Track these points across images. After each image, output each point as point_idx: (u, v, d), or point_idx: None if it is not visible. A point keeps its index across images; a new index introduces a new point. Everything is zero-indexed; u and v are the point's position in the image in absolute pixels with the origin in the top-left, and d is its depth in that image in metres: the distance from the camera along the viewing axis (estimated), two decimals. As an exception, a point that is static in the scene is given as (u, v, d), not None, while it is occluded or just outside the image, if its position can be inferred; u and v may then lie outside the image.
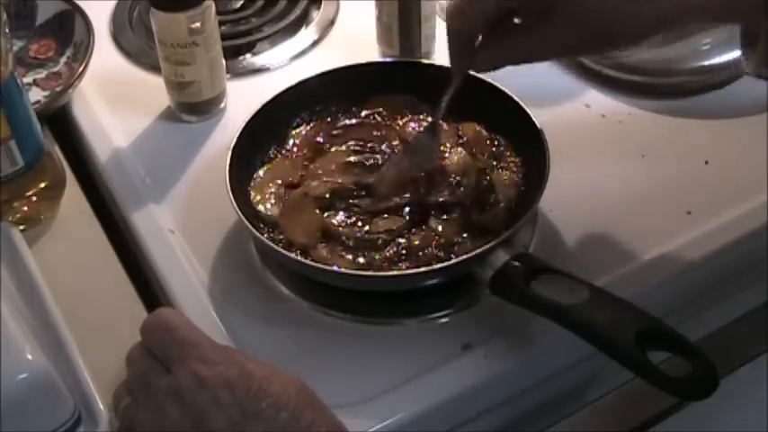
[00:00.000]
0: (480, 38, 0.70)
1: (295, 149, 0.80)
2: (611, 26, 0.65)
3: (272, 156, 0.79)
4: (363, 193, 0.75)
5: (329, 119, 0.82)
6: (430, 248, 0.71)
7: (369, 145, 0.79)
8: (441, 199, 0.73)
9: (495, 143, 0.78)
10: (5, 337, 0.60)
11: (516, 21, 0.69)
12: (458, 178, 0.75)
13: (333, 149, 0.79)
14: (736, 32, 0.88)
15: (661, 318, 0.62)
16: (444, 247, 0.71)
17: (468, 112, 0.80)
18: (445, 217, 0.73)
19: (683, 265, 0.74)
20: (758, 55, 0.66)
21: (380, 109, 0.82)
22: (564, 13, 0.65)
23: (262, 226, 0.73)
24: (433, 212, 0.73)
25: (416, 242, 0.71)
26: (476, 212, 0.73)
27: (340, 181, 0.75)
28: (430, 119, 0.79)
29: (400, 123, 0.81)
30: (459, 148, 0.77)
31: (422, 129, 0.79)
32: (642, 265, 0.74)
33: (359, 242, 0.72)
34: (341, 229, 0.72)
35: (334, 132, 0.80)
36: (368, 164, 0.77)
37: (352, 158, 0.78)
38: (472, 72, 0.74)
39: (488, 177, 0.76)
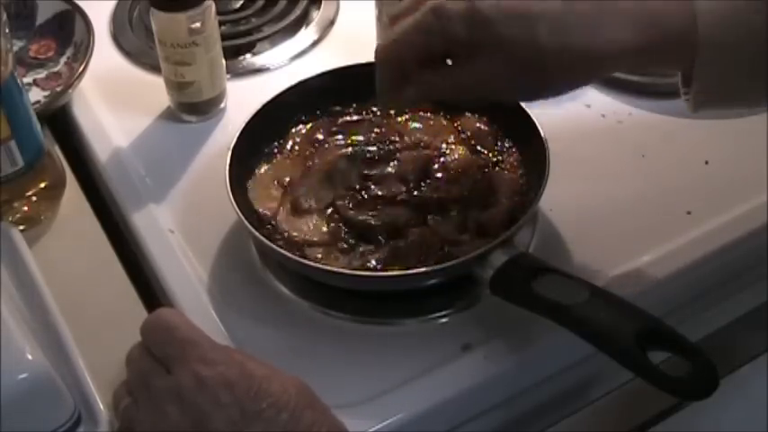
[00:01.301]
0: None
1: (295, 149, 0.80)
2: (535, 73, 0.65)
3: (272, 156, 0.79)
4: (365, 183, 0.75)
5: (329, 118, 0.82)
6: (429, 248, 0.71)
7: (369, 139, 0.79)
8: (440, 195, 0.73)
9: (498, 138, 0.78)
10: (5, 337, 0.60)
11: (447, 62, 0.68)
12: (458, 175, 0.75)
13: (333, 142, 0.79)
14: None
15: (661, 318, 0.62)
16: (444, 246, 0.71)
17: (467, 110, 0.80)
18: (443, 215, 0.73)
19: (683, 265, 0.74)
20: (692, 99, 0.66)
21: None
22: (497, 50, 0.64)
23: (262, 226, 0.73)
24: (432, 210, 0.73)
25: (415, 241, 0.71)
26: (476, 211, 0.73)
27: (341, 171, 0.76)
28: (431, 114, 0.80)
29: (400, 120, 0.81)
30: (461, 146, 0.77)
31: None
32: (642, 265, 0.74)
33: (359, 226, 0.72)
34: (349, 210, 0.73)
35: (334, 129, 0.80)
36: (368, 156, 0.77)
37: (350, 150, 0.78)
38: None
39: (489, 176, 0.76)
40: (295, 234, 0.73)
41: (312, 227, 0.73)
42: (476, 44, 0.64)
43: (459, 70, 0.67)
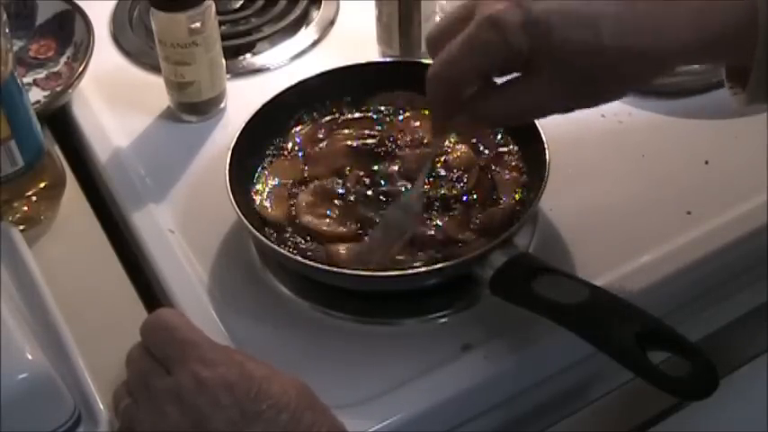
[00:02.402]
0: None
1: (295, 149, 0.80)
2: (596, 79, 0.62)
3: (272, 156, 0.79)
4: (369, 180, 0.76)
5: (329, 118, 0.82)
6: (430, 248, 0.71)
7: (370, 133, 0.79)
8: (442, 192, 0.73)
9: (498, 138, 0.78)
10: (5, 337, 0.60)
11: (498, 81, 0.65)
12: (459, 173, 0.75)
13: (334, 141, 0.79)
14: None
15: (661, 318, 0.62)
16: (444, 245, 0.71)
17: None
18: (447, 213, 0.72)
19: (683, 265, 0.74)
20: (749, 90, 0.65)
21: (380, 107, 0.82)
22: (550, 69, 0.62)
23: (262, 226, 0.73)
24: (434, 208, 0.73)
25: (415, 240, 0.71)
26: (477, 210, 0.73)
27: (348, 168, 0.76)
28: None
29: (401, 119, 0.81)
30: (462, 144, 0.77)
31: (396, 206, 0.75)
32: (642, 265, 0.74)
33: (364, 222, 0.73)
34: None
35: (335, 128, 0.80)
36: (371, 153, 0.77)
37: (353, 143, 0.78)
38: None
39: (490, 175, 0.76)
40: (295, 234, 0.73)
41: (328, 223, 0.73)
42: (535, 56, 0.61)
43: (517, 91, 0.64)
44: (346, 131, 0.80)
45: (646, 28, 0.61)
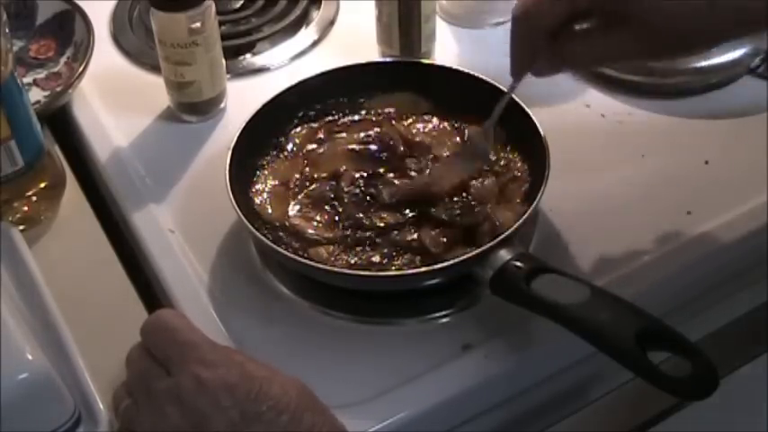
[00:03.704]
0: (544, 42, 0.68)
1: (296, 149, 0.80)
2: (686, 32, 0.64)
3: (272, 156, 0.79)
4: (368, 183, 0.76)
5: (330, 118, 0.82)
6: (426, 249, 0.71)
7: (371, 137, 0.79)
8: (444, 217, 0.73)
9: (500, 153, 0.78)
10: (5, 337, 0.60)
11: (581, 26, 0.67)
12: (473, 202, 0.74)
13: (335, 142, 0.79)
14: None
15: (661, 318, 0.62)
16: (444, 247, 0.71)
17: (468, 111, 0.80)
18: (444, 215, 0.73)
19: (683, 265, 0.74)
20: None
21: (380, 109, 0.82)
22: (639, 19, 0.63)
23: (262, 226, 0.73)
24: (432, 210, 0.73)
25: (411, 241, 0.71)
26: (477, 212, 0.73)
27: (344, 168, 0.76)
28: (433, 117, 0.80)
29: (405, 124, 0.81)
30: (492, 177, 0.76)
31: (475, 132, 0.77)
32: (642, 265, 0.74)
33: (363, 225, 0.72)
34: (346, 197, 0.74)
35: (336, 129, 0.80)
36: (371, 156, 0.77)
37: (356, 147, 0.78)
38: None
39: (490, 176, 0.76)
40: (297, 233, 0.73)
41: (318, 225, 0.73)
42: (624, 6, 0.63)
43: (594, 40, 0.66)
44: (346, 135, 0.80)
45: None
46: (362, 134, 0.80)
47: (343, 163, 0.77)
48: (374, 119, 0.81)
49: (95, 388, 0.65)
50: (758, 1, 0.62)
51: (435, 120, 0.81)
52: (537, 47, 0.68)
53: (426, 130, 0.80)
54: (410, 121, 0.81)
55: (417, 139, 0.79)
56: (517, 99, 0.77)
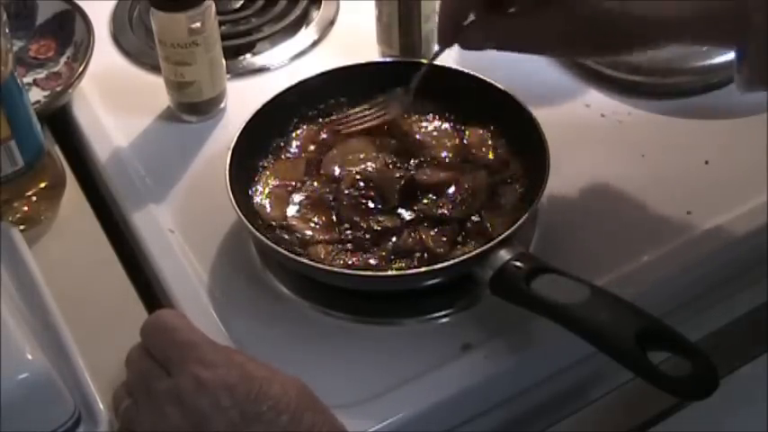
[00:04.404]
0: (472, 16, 0.71)
1: (296, 149, 0.80)
2: (604, 26, 0.66)
3: (272, 156, 0.79)
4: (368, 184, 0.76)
5: (329, 118, 0.82)
6: (426, 250, 0.71)
7: (371, 139, 0.79)
8: (442, 212, 0.73)
9: (500, 152, 0.78)
10: (5, 337, 0.60)
11: (512, 10, 0.70)
12: (465, 196, 0.74)
13: (335, 142, 0.79)
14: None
15: (661, 318, 0.62)
16: (444, 247, 0.71)
17: (469, 111, 0.80)
18: (437, 229, 0.72)
19: (683, 265, 0.74)
20: (741, 74, 0.66)
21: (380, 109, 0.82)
22: (560, 3, 0.66)
23: (262, 226, 0.73)
24: (427, 223, 0.73)
25: (410, 242, 0.71)
26: (476, 212, 0.73)
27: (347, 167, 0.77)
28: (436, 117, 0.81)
29: (409, 121, 0.80)
30: (483, 171, 0.76)
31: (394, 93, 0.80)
32: (642, 265, 0.74)
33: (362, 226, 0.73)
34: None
35: (336, 129, 0.80)
36: (371, 155, 0.77)
37: (352, 150, 0.78)
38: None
39: (490, 175, 0.76)
40: (298, 234, 0.73)
41: (315, 226, 0.73)
42: None
43: (520, 20, 0.70)
44: (348, 134, 0.80)
45: None
46: (365, 133, 0.79)
47: (346, 162, 0.77)
48: (374, 119, 0.81)
49: (95, 388, 0.65)
50: (665, 13, 0.64)
51: (437, 121, 0.81)
52: (463, 19, 0.71)
53: (428, 129, 0.80)
54: (414, 118, 0.81)
55: (418, 137, 0.79)
56: (518, 99, 0.77)
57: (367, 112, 0.79)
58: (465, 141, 0.79)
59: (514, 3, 0.70)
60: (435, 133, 0.80)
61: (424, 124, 0.81)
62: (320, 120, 0.82)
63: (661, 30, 0.66)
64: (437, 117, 0.81)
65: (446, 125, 0.80)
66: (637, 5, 0.64)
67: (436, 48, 0.77)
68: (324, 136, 0.80)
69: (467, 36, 0.72)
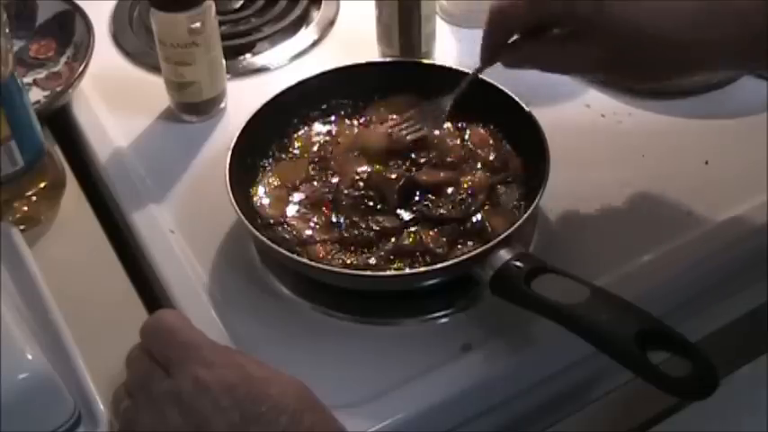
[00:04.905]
0: (516, 37, 0.73)
1: (296, 149, 0.80)
2: (650, 50, 0.67)
3: (273, 156, 0.79)
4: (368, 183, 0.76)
5: (329, 118, 0.82)
6: (425, 251, 0.71)
7: (371, 138, 0.79)
8: (442, 212, 0.73)
9: (499, 138, 0.78)
10: (5, 337, 0.60)
11: (555, 31, 0.72)
12: (465, 196, 0.74)
13: (335, 141, 0.79)
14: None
15: (661, 318, 0.62)
16: (444, 247, 0.71)
17: (469, 110, 0.80)
18: (437, 229, 0.72)
19: (683, 265, 0.74)
20: None
21: (382, 109, 0.82)
22: (605, 30, 0.67)
23: (262, 226, 0.73)
24: (427, 223, 0.73)
25: (410, 242, 0.71)
26: (476, 212, 0.73)
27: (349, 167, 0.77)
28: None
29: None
30: (483, 171, 0.77)
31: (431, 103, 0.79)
32: (642, 265, 0.74)
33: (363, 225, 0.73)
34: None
35: (336, 128, 0.80)
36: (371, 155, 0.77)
37: (352, 150, 0.78)
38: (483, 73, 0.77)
39: (490, 175, 0.76)
40: (297, 233, 0.73)
41: (315, 226, 0.73)
42: (579, 22, 0.68)
43: (562, 44, 0.71)
44: (349, 134, 0.80)
45: (687, 22, 0.65)
46: (363, 137, 0.79)
47: (348, 161, 0.77)
48: (374, 118, 0.81)
49: (95, 388, 0.65)
50: (720, 33, 0.65)
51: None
52: (505, 39, 0.73)
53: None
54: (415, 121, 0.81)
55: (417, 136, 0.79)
56: (517, 99, 0.77)
57: (404, 126, 0.79)
58: (467, 141, 0.79)
59: (557, 26, 0.71)
60: (437, 132, 0.80)
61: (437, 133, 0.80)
62: (320, 120, 0.81)
63: (704, 55, 0.66)
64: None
65: (448, 124, 0.80)
66: (679, 31, 0.65)
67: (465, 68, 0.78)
68: (324, 136, 0.80)
69: (508, 56, 0.74)
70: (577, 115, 0.87)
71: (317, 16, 0.99)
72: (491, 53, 0.74)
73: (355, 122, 0.81)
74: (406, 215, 0.73)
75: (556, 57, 0.72)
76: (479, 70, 0.77)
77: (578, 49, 0.70)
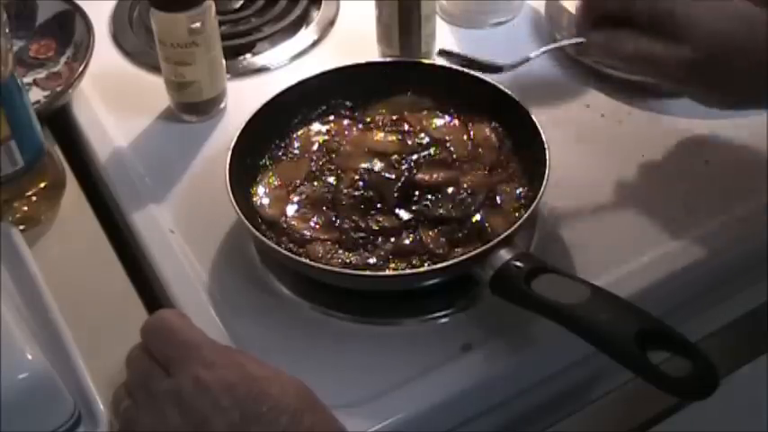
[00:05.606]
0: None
1: (296, 149, 0.80)
2: (733, 64, 0.68)
3: (273, 156, 0.79)
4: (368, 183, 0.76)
5: (329, 118, 0.82)
6: (425, 251, 0.71)
7: (371, 138, 0.79)
8: (441, 212, 0.73)
9: (499, 138, 0.78)
10: (5, 337, 0.60)
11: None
12: (464, 196, 0.74)
13: (335, 141, 0.79)
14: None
15: (661, 318, 0.62)
16: (444, 247, 0.71)
17: (468, 111, 0.80)
18: (437, 229, 0.72)
19: (683, 265, 0.74)
20: None
21: (383, 110, 0.82)
22: (677, 29, 0.69)
23: (262, 226, 0.73)
24: (427, 223, 0.73)
25: (410, 242, 0.71)
26: (477, 212, 0.73)
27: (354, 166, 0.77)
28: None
29: (424, 122, 0.80)
30: (482, 170, 0.77)
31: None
32: (642, 265, 0.74)
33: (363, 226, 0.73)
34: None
35: (336, 128, 0.80)
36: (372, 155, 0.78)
37: (352, 149, 0.78)
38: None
39: (490, 175, 0.76)
40: (297, 233, 0.73)
41: (315, 226, 0.73)
42: (684, 31, 0.69)
43: (645, 41, 0.72)
44: (350, 133, 0.80)
45: None
46: (363, 137, 0.79)
47: (350, 161, 0.77)
48: (373, 118, 0.81)
49: (95, 388, 0.65)
50: None
51: (446, 116, 0.81)
52: (597, 21, 0.75)
53: (439, 124, 0.80)
54: (424, 113, 0.81)
55: (429, 132, 0.79)
56: (517, 99, 0.77)
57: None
58: (472, 138, 0.79)
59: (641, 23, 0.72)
60: (444, 129, 0.80)
61: (435, 120, 0.80)
62: (321, 120, 0.81)
63: None
64: (444, 114, 0.81)
65: (455, 121, 0.80)
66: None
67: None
68: (324, 136, 0.80)
69: (594, 39, 0.76)
70: (577, 115, 0.87)
71: (317, 16, 0.99)
72: (583, 31, 0.76)
73: (355, 122, 0.81)
74: (406, 215, 0.73)
75: (643, 51, 0.72)
76: (575, 42, 0.78)
77: (668, 48, 0.70)
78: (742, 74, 0.69)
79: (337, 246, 0.72)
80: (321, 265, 0.69)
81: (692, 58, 0.70)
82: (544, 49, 0.79)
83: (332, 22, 0.98)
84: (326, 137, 0.80)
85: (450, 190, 0.75)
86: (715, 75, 0.70)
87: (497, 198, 0.74)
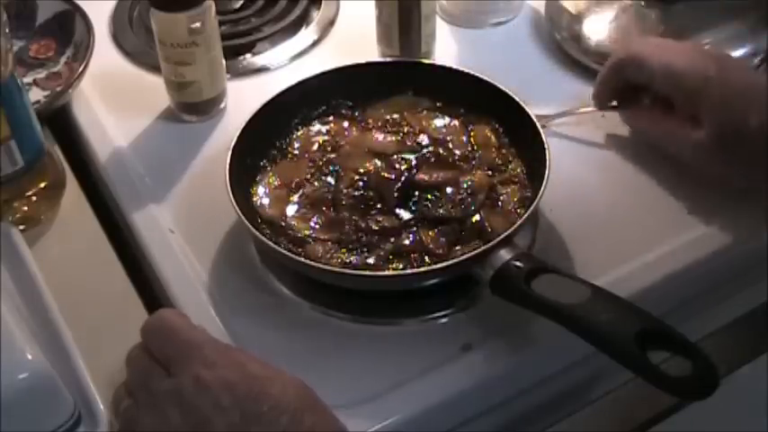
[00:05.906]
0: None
1: (296, 149, 0.80)
2: (750, 146, 0.70)
3: (273, 156, 0.79)
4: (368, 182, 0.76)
5: (329, 118, 0.82)
6: (425, 251, 0.71)
7: (371, 138, 0.79)
8: (441, 212, 0.73)
9: (502, 152, 0.78)
10: (5, 337, 0.60)
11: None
12: (465, 196, 0.74)
13: (335, 141, 0.79)
14: (734, 32, 0.88)
15: (661, 318, 0.62)
16: (443, 247, 0.71)
17: (468, 111, 0.80)
18: (437, 229, 0.72)
19: (683, 265, 0.74)
20: None
21: (383, 110, 0.82)
22: (683, 108, 0.73)
23: (262, 226, 0.73)
24: (427, 223, 0.73)
25: (410, 242, 0.71)
26: (477, 212, 0.73)
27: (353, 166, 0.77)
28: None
29: (424, 122, 0.80)
30: (482, 170, 0.77)
31: None
32: (642, 265, 0.74)
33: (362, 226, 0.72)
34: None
35: (336, 128, 0.80)
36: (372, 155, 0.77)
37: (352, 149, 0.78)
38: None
39: (490, 175, 0.76)
40: (297, 233, 0.73)
41: (315, 226, 0.73)
42: (701, 109, 0.72)
43: (657, 113, 0.77)
44: (350, 133, 0.80)
45: None
46: (363, 137, 0.79)
47: (350, 161, 0.77)
48: (373, 118, 0.81)
49: (95, 388, 0.65)
50: None
51: (447, 117, 0.81)
52: (615, 91, 0.81)
53: (439, 125, 0.80)
54: (424, 113, 0.81)
55: (429, 132, 0.79)
56: (517, 99, 0.77)
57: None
58: (472, 138, 0.79)
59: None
60: (444, 129, 0.80)
61: (436, 121, 0.80)
62: (321, 120, 0.81)
63: None
64: (444, 114, 0.81)
65: (455, 122, 0.80)
66: None
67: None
68: (324, 136, 0.80)
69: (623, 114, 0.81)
70: (578, 115, 0.87)
71: (317, 16, 0.99)
72: (601, 101, 0.81)
73: (355, 122, 0.81)
74: (406, 215, 0.73)
75: (659, 125, 0.77)
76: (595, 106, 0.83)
77: (680, 127, 0.74)
78: (757, 148, 0.70)
79: (337, 246, 0.72)
80: (321, 265, 0.69)
81: (705, 137, 0.72)
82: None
83: (332, 22, 0.98)
84: (326, 137, 0.80)
85: (449, 190, 0.75)
86: (730, 150, 0.72)
87: (497, 198, 0.74)
